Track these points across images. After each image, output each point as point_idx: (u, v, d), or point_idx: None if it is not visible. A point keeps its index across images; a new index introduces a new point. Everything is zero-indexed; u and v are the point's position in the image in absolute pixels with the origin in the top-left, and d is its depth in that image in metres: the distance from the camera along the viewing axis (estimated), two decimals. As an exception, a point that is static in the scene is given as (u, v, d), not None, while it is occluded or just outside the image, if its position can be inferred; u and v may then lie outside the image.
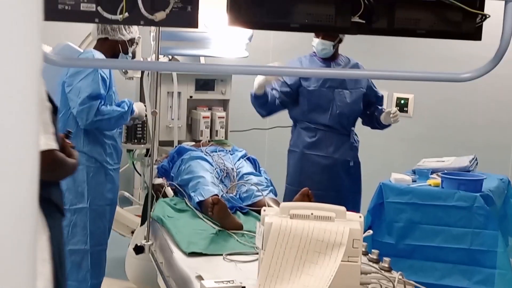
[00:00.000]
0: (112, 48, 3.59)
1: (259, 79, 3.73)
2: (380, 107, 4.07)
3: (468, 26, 2.18)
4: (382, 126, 4.06)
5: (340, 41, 3.87)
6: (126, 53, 3.58)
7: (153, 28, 3.73)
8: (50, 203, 2.34)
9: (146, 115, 3.94)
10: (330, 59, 3.88)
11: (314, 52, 3.94)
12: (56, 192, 2.42)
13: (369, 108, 4.06)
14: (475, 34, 2.19)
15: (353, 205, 3.77)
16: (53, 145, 2.30)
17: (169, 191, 3.52)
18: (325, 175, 3.92)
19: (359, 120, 4.13)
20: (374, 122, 4.07)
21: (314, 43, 3.84)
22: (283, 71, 1.72)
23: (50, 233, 2.38)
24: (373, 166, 4.35)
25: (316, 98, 3.89)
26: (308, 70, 1.58)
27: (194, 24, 1.94)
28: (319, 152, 3.91)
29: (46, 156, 2.26)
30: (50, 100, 2.51)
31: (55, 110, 2.54)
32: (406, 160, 4.24)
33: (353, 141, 3.98)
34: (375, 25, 2.11)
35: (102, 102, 3.41)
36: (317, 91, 3.87)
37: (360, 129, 4.12)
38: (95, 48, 3.60)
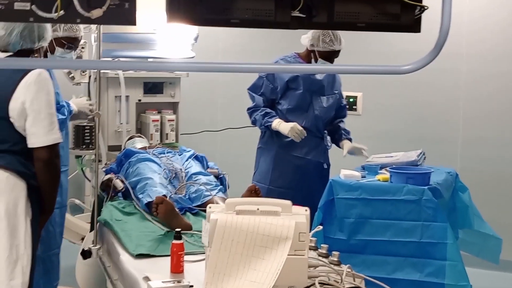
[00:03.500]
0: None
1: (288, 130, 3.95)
2: (342, 128, 4.27)
3: (407, 18, 2.19)
4: (336, 145, 4.28)
5: None
6: (53, 52, 3.43)
7: (94, 29, 3.69)
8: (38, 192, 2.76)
9: (92, 110, 3.88)
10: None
11: (297, 54, 4.11)
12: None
13: (333, 120, 4.20)
14: (414, 26, 2.20)
15: None
16: (61, 138, 2.81)
17: (118, 183, 3.47)
18: (297, 175, 4.10)
19: None
20: (332, 139, 4.28)
21: (320, 63, 3.98)
22: (235, 67, 1.71)
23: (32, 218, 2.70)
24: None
25: (298, 101, 4.06)
26: (263, 66, 1.58)
27: (132, 22, 1.91)
28: (293, 153, 4.09)
29: (55, 149, 2.76)
30: None
31: None
32: (356, 157, 4.26)
33: (326, 144, 4.13)
34: (315, 19, 2.11)
35: None
36: (300, 94, 4.05)
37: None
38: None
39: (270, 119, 3.98)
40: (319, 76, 4.10)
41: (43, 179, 2.77)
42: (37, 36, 2.89)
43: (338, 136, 4.26)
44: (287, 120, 4.00)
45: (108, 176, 3.58)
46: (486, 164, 4.99)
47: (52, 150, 2.75)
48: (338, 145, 4.27)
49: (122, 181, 3.49)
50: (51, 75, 3.36)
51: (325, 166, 4.19)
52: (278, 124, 3.97)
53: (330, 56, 3.98)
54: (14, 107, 2.70)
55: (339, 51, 4.00)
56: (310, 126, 4.05)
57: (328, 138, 4.24)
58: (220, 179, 3.71)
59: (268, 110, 4.04)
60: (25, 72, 2.70)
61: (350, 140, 4.23)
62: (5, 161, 2.70)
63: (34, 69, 2.69)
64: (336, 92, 4.22)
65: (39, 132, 2.71)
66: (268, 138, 4.14)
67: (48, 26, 2.97)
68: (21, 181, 2.71)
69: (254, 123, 4.11)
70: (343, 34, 3.95)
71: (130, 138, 4.32)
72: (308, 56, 4.04)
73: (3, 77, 2.74)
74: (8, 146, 2.73)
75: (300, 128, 3.94)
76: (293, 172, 4.09)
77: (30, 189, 2.74)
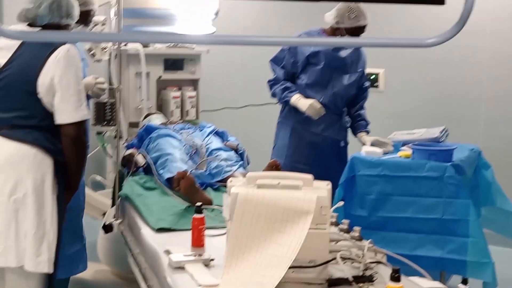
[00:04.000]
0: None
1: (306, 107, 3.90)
2: (362, 118, 4.14)
3: (431, -10, 2.15)
4: (353, 134, 4.18)
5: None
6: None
7: (114, 2, 3.67)
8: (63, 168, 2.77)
9: (103, 89, 3.85)
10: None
11: (322, 30, 4.03)
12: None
13: (353, 104, 4.12)
14: (439, -2, 2.16)
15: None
16: (88, 115, 2.85)
17: (139, 159, 3.47)
18: (313, 151, 4.05)
19: None
20: (351, 127, 4.18)
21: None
22: (256, 40, 1.69)
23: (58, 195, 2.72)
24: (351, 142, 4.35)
25: (317, 76, 3.99)
26: (269, 39, 1.55)
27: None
28: (310, 129, 4.04)
29: (82, 125, 2.77)
30: None
31: None
32: (378, 134, 4.21)
33: (344, 122, 4.06)
34: (339, -9, 2.08)
35: None
36: (320, 70, 3.98)
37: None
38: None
39: (290, 94, 3.95)
40: (342, 53, 4.03)
41: (69, 155, 2.77)
42: (65, 11, 2.88)
43: (357, 126, 4.15)
44: (305, 95, 3.96)
45: (130, 151, 3.59)
46: (509, 142, 4.93)
47: (80, 126, 2.75)
48: (355, 135, 4.16)
49: (144, 157, 3.49)
50: (80, 53, 3.35)
51: (342, 144, 4.13)
52: (297, 99, 3.93)
53: (356, 32, 3.90)
54: (43, 82, 2.69)
55: (365, 26, 3.92)
56: (328, 103, 3.99)
57: (347, 118, 4.17)
58: (240, 154, 3.70)
59: (289, 84, 4.00)
60: (53, 48, 2.70)
61: (367, 132, 4.12)
62: (33, 136, 2.70)
63: (59, 43, 2.69)
64: (359, 70, 4.14)
65: (67, 108, 2.71)
66: (287, 113, 4.10)
67: (76, 4, 2.95)
68: (48, 157, 2.71)
69: (274, 96, 4.08)
70: (368, 9, 3.90)
71: (146, 116, 4.30)
72: (333, 33, 3.97)
73: (31, 53, 2.74)
74: (35, 122, 2.73)
75: (319, 105, 3.89)
76: (308, 148, 4.04)
77: (56, 165, 2.74)
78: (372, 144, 3.89)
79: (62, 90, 2.69)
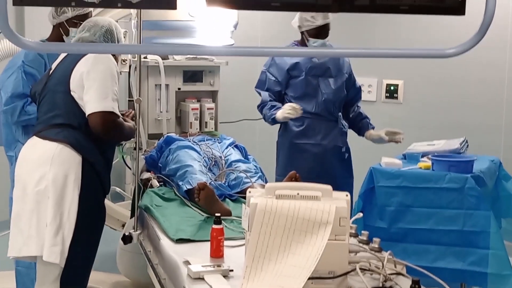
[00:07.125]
0: (58, 33, 3.47)
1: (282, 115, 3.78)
2: (364, 117, 4.10)
3: (451, 0, 2.14)
4: (361, 134, 4.12)
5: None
6: (67, 34, 3.42)
7: (134, 15, 3.70)
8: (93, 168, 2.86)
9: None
10: None
11: (296, 41, 3.99)
12: (103, 166, 2.94)
13: (350, 105, 4.06)
14: (459, 8, 2.15)
15: (347, 190, 3.74)
16: (116, 109, 2.84)
17: (155, 182, 3.50)
18: (316, 163, 3.95)
19: None
20: (355, 128, 4.12)
21: (311, 43, 3.84)
22: (266, 51, 1.69)
23: (82, 192, 2.78)
24: (363, 152, 4.33)
25: (303, 87, 3.93)
26: (290, 50, 1.55)
27: (173, 6, 1.91)
28: (308, 141, 3.94)
29: (108, 117, 2.79)
30: None
31: None
32: (397, 146, 4.20)
33: (341, 127, 4.01)
34: (357, 2, 2.08)
35: (28, 101, 3.36)
36: (303, 80, 3.91)
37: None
38: (48, 38, 3.49)
39: (275, 111, 3.84)
40: (320, 59, 3.92)
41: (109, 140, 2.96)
42: (117, 38, 3.06)
43: (362, 126, 4.09)
44: None
45: (148, 175, 3.62)
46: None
47: (104, 117, 2.80)
48: (362, 135, 4.10)
49: (160, 180, 3.53)
50: (33, 69, 3.44)
51: (343, 150, 4.04)
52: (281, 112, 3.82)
53: (318, 32, 3.82)
54: (74, 78, 2.83)
55: (326, 25, 3.81)
56: (321, 111, 3.92)
57: (344, 122, 4.07)
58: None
59: (274, 103, 3.90)
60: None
61: (373, 128, 4.07)
62: (64, 135, 2.81)
63: (86, 53, 2.83)
64: (345, 72, 4.02)
65: (91, 100, 2.79)
66: (283, 131, 4.03)
67: (120, 28, 3.14)
68: (76, 155, 2.81)
69: (264, 119, 3.97)
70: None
71: None
72: (303, 40, 3.91)
73: (69, 60, 2.93)
74: (69, 120, 2.84)
75: (296, 105, 3.75)
76: (311, 161, 3.92)
77: (86, 164, 2.83)
78: (379, 140, 3.94)
79: (88, 83, 2.80)
